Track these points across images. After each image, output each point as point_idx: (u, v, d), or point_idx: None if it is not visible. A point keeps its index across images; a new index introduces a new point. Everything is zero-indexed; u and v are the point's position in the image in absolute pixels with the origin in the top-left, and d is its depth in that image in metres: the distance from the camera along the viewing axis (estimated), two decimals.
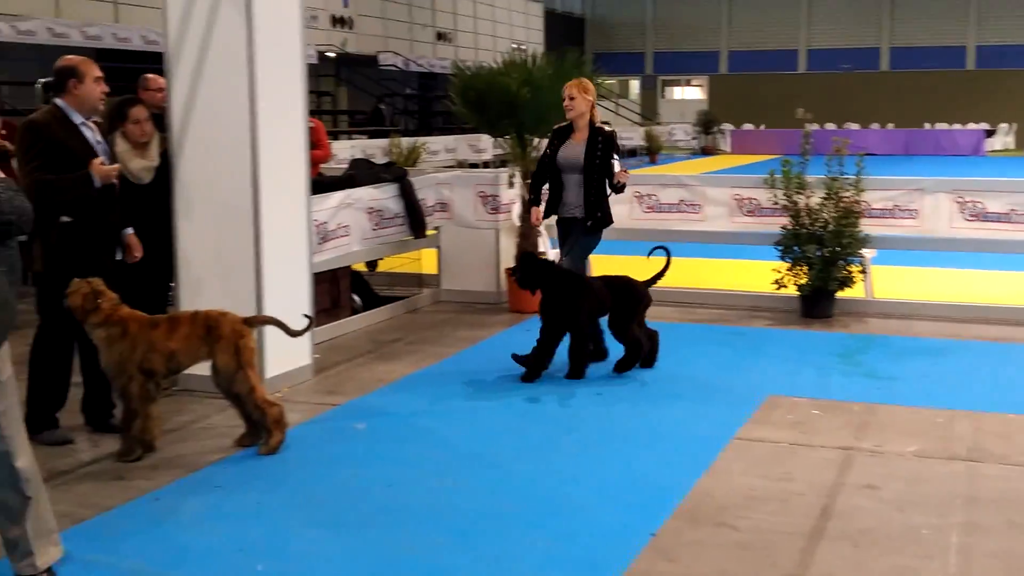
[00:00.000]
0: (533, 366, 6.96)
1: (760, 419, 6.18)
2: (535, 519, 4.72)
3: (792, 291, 9.02)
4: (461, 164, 22.17)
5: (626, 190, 9.73)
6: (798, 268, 8.95)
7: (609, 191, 7.32)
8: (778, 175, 9.16)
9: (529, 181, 7.67)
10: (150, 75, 7.38)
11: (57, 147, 5.52)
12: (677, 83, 48.82)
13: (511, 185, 9.64)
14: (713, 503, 4.90)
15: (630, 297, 7.18)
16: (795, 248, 8.94)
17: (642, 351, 7.20)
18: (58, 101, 5.62)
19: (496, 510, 4.83)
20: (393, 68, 29.79)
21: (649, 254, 7.65)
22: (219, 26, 6.47)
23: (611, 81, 40.56)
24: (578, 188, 7.23)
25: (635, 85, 48.62)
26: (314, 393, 6.82)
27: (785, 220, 9.04)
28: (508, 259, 9.63)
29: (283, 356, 6.80)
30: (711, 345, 8.07)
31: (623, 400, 6.60)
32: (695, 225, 9.69)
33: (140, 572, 4.17)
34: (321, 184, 8.29)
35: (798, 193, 9.01)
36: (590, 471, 5.34)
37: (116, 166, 5.77)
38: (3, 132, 9.16)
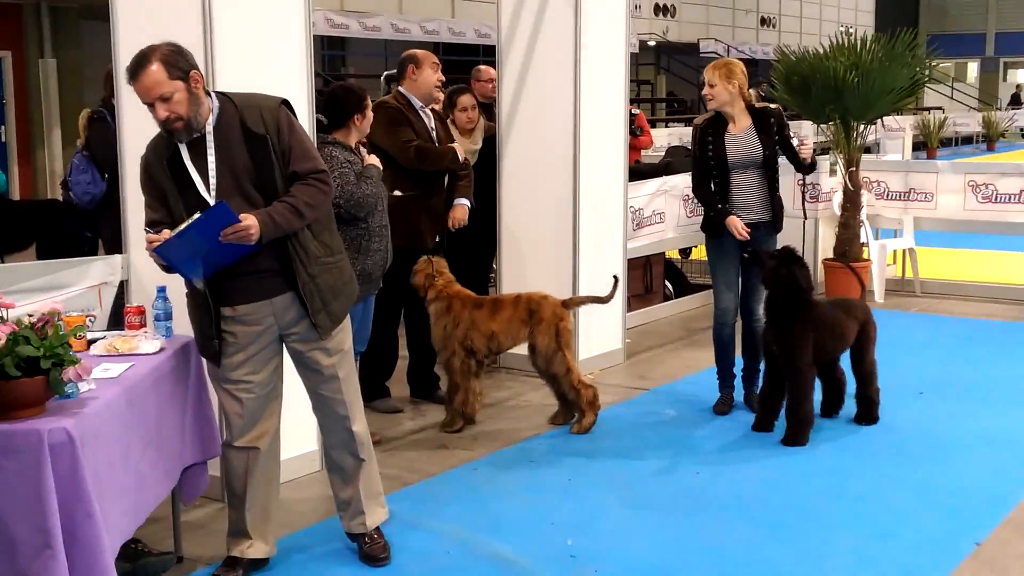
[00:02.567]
0: (761, 414, 5.76)
1: None
2: (848, 518, 4.57)
3: None
4: None
5: (961, 178, 9.25)
6: None
7: (799, 178, 6.08)
8: None
9: (695, 187, 6.02)
10: (482, 66, 7.75)
11: (410, 126, 5.92)
12: (1021, 65, 45.15)
13: (832, 173, 9.34)
14: None
15: (871, 323, 5.83)
16: None
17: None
18: (400, 88, 6.03)
19: (807, 505, 4.72)
20: (715, 55, 29.48)
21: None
22: (548, 18, 6.69)
23: (946, 64, 38.11)
24: (758, 187, 5.82)
25: (973, 68, 45.43)
26: (625, 376, 6.92)
27: None
28: (827, 250, 9.34)
29: (596, 339, 6.96)
30: None
31: (948, 401, 6.24)
32: None
33: (458, 537, 4.41)
34: (638, 171, 8.39)
35: None
36: (908, 473, 5.11)
37: (465, 155, 6.13)
38: None
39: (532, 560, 4.18)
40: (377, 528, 4.23)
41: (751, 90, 5.99)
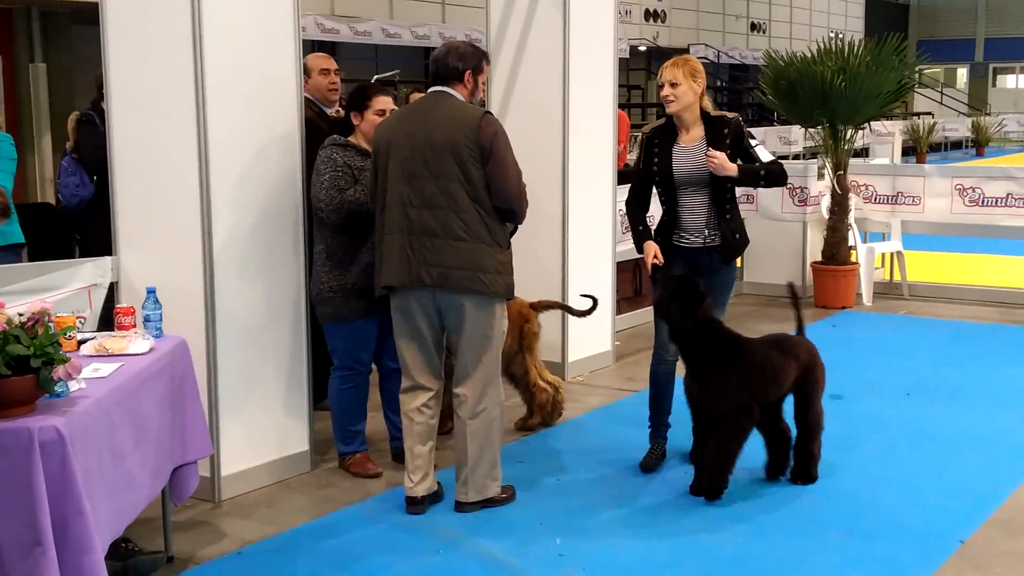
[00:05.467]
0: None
1: None
2: (834, 516, 4.61)
3: None
4: None
5: (948, 182, 9.30)
6: None
7: (762, 183, 5.08)
8: None
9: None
10: None
11: None
12: (1011, 71, 45.40)
13: (821, 177, 9.42)
14: None
15: (817, 366, 5.01)
16: None
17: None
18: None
19: (794, 504, 4.76)
20: (704, 60, 29.56)
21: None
22: (537, 22, 6.74)
23: (936, 69, 38.30)
24: (706, 208, 5.00)
25: (962, 73, 45.66)
26: (614, 378, 6.96)
27: None
28: (815, 253, 9.40)
29: (585, 342, 6.99)
30: None
31: (935, 403, 6.29)
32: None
33: (448, 536, 4.43)
34: (627, 175, 8.41)
35: None
36: (895, 472, 5.15)
37: None
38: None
39: (521, 560, 4.20)
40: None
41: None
